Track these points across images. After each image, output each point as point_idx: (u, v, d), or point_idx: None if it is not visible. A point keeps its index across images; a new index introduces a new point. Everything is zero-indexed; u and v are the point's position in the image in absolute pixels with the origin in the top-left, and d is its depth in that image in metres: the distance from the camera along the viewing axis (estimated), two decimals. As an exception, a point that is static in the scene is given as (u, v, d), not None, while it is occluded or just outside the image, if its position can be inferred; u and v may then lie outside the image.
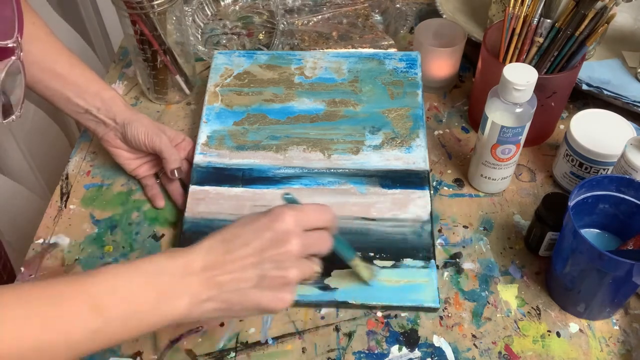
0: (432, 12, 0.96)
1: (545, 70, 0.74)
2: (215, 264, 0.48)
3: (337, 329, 0.62)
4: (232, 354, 0.60)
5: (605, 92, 0.80)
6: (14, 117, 0.54)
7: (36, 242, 0.70)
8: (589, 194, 0.61)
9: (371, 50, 0.89)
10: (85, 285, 0.45)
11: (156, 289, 0.47)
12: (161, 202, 0.73)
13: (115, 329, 0.46)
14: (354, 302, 0.62)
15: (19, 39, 0.53)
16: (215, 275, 0.48)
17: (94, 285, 0.46)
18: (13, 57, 0.52)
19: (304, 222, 0.50)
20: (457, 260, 0.67)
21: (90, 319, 0.44)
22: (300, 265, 0.50)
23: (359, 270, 0.62)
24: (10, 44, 0.51)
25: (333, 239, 0.53)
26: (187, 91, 0.86)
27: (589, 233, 0.65)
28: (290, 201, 0.55)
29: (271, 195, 0.70)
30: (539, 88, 0.65)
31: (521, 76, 0.62)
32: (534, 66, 0.67)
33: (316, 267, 0.52)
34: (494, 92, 0.65)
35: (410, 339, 0.61)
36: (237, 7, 1.00)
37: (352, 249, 0.61)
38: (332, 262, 0.64)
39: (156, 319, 0.47)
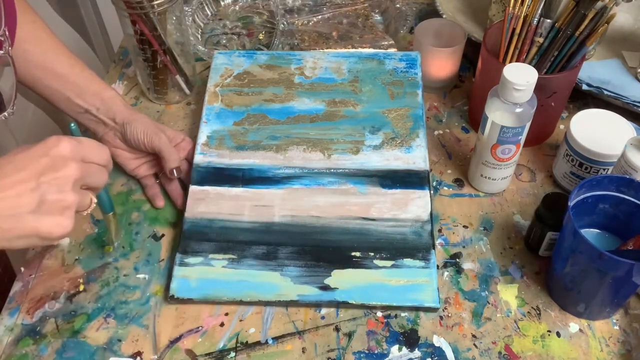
0: (432, 12, 0.96)
1: (545, 70, 0.74)
2: None
3: (337, 329, 0.62)
4: (232, 354, 0.60)
5: (605, 92, 0.80)
6: (5, 114, 0.53)
7: (36, 242, 0.70)
8: (589, 194, 0.61)
9: (371, 50, 0.89)
10: None
11: None
12: (161, 202, 0.73)
13: None
14: (354, 302, 0.62)
15: (7, 33, 0.51)
16: None
17: None
18: (1, 51, 0.50)
19: (81, 153, 0.49)
20: (457, 260, 0.67)
21: None
22: (79, 191, 0.49)
23: (111, 227, 0.64)
24: None
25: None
26: (187, 91, 0.86)
27: (589, 233, 0.65)
28: (74, 132, 0.54)
29: (271, 195, 0.70)
30: (539, 88, 0.65)
31: (521, 76, 0.62)
32: (534, 66, 0.67)
33: (94, 197, 0.51)
34: (494, 92, 0.65)
35: (410, 339, 0.61)
36: (237, 7, 1.00)
37: (112, 205, 0.63)
38: (332, 262, 0.64)
39: None
